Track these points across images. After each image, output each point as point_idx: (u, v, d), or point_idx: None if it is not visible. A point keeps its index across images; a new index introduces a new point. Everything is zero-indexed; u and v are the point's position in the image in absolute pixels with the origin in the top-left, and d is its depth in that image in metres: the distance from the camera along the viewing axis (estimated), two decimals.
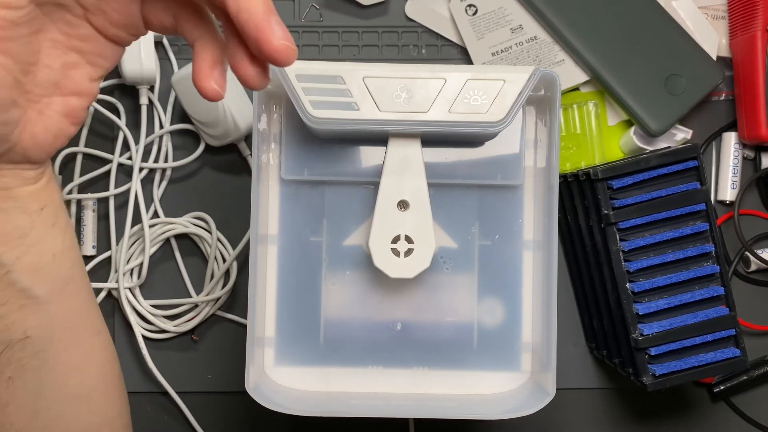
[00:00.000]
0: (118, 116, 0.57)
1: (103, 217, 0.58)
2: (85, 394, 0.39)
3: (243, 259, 0.57)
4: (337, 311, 0.45)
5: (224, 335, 0.58)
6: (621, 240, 0.49)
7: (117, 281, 0.56)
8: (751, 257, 0.58)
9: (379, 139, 0.43)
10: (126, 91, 0.58)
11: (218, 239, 0.57)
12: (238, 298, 0.58)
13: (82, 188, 0.57)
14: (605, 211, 0.49)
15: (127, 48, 0.34)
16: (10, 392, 0.36)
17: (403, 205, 0.43)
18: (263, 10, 0.29)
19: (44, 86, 0.32)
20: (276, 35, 0.29)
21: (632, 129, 0.57)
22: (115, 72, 0.57)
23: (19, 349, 0.35)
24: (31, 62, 0.31)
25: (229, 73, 0.56)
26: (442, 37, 0.59)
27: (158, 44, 0.57)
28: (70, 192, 0.57)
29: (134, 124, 0.58)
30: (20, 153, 0.32)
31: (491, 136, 0.44)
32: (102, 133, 0.58)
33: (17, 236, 0.34)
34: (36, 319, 0.35)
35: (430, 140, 0.44)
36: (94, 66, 0.33)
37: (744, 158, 0.59)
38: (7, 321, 0.34)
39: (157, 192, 0.58)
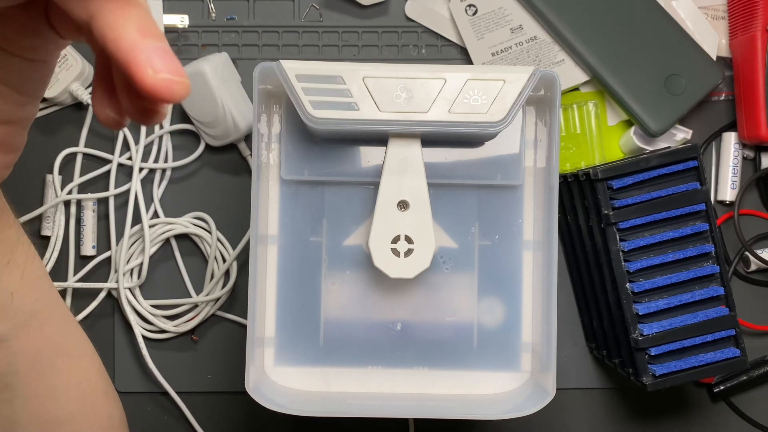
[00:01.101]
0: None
1: (103, 217, 0.58)
2: (67, 418, 0.38)
3: (243, 259, 0.57)
4: (337, 311, 0.45)
5: (224, 335, 0.58)
6: (621, 240, 0.49)
7: (117, 281, 0.56)
8: (751, 257, 0.57)
9: (379, 139, 0.43)
10: None
11: (218, 239, 0.57)
12: (238, 298, 0.58)
13: (82, 188, 0.57)
14: (605, 211, 0.49)
15: None
16: None
17: (403, 205, 0.43)
18: (133, 39, 0.22)
19: None
20: (151, 68, 0.22)
21: (632, 129, 0.57)
22: None
23: None
24: None
25: (228, 70, 0.56)
26: (442, 37, 0.59)
27: None
28: (70, 192, 0.57)
29: (134, 124, 0.58)
30: None
31: (491, 136, 0.44)
32: (102, 133, 0.58)
33: None
34: None
35: (430, 140, 0.44)
36: (19, 91, 0.28)
37: (744, 158, 0.59)
38: None
39: (157, 192, 0.58)
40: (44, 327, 0.36)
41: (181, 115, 0.58)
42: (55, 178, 0.57)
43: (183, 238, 0.58)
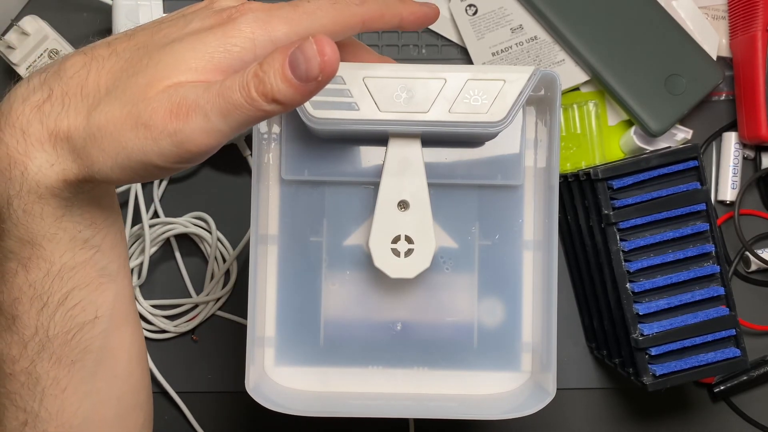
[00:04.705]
0: None
1: None
2: (129, 373, 0.39)
3: (243, 259, 0.57)
4: (337, 311, 0.45)
5: (224, 335, 0.58)
6: (621, 240, 0.49)
7: None
8: (751, 257, 0.57)
9: (379, 139, 0.43)
10: None
11: (218, 239, 0.57)
12: (238, 298, 0.58)
13: None
14: (605, 211, 0.49)
15: None
16: (71, 376, 0.36)
17: (403, 205, 0.43)
18: (416, 7, 0.37)
19: None
20: (427, 7, 0.38)
21: (632, 129, 0.57)
22: None
23: (88, 330, 0.35)
24: None
25: None
26: (442, 37, 0.59)
27: None
28: None
29: None
30: None
31: (491, 136, 0.44)
32: None
33: (104, 218, 0.35)
34: (105, 298, 0.36)
35: (430, 140, 0.44)
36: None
37: (744, 158, 0.59)
38: (85, 303, 0.35)
39: (157, 192, 0.58)
40: (129, 272, 0.39)
41: None
42: None
43: (183, 238, 0.58)
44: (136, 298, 0.57)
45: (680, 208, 0.49)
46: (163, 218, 0.58)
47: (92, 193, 0.34)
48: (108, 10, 0.56)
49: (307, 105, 0.40)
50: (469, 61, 0.58)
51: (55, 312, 0.34)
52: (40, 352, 0.35)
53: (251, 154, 0.57)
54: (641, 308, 0.49)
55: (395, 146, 0.43)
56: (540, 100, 0.45)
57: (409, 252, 0.43)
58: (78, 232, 0.34)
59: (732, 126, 0.59)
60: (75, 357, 0.35)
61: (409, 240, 0.43)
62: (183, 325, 0.57)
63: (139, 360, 0.40)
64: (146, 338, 0.57)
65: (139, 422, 0.41)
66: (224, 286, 0.57)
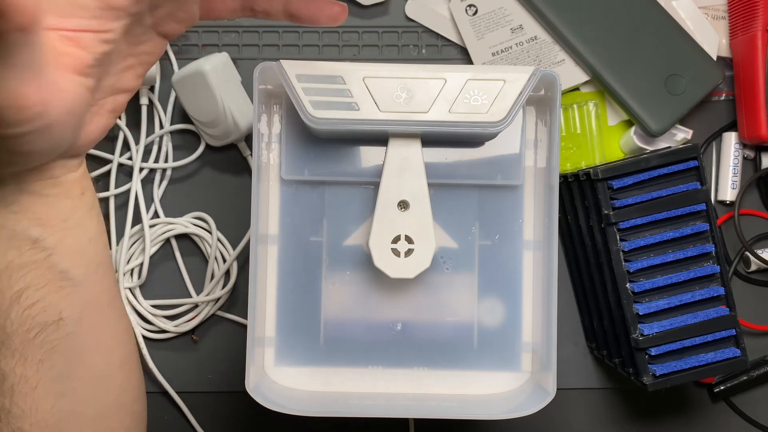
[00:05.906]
0: (118, 116, 0.57)
1: (103, 217, 0.58)
2: (109, 375, 0.39)
3: (243, 259, 0.57)
4: (337, 311, 0.45)
5: (224, 335, 0.58)
6: (621, 240, 0.49)
7: (117, 281, 0.56)
8: (751, 257, 0.57)
9: (379, 139, 0.43)
10: None
11: (218, 239, 0.57)
12: (238, 298, 0.58)
13: None
14: (605, 211, 0.49)
15: None
16: (40, 375, 0.36)
17: (403, 205, 0.43)
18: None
19: (104, 91, 0.34)
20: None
21: (632, 129, 0.57)
22: None
23: (52, 331, 0.35)
24: (103, 77, 0.33)
25: (229, 70, 0.56)
26: (442, 37, 0.59)
27: None
28: None
29: (134, 124, 0.58)
30: (74, 150, 0.34)
31: (491, 136, 0.44)
32: None
33: (60, 220, 0.35)
34: (70, 301, 0.36)
35: (430, 140, 0.44)
36: (144, 64, 0.35)
37: (744, 158, 0.59)
38: (44, 303, 0.35)
39: (158, 192, 0.58)
40: (105, 278, 0.38)
41: (181, 115, 0.58)
42: None
43: (183, 238, 0.58)
44: (135, 298, 0.57)
45: (680, 208, 0.49)
46: (163, 218, 0.58)
47: (23, 184, 0.33)
48: None
49: (308, 105, 0.40)
50: (469, 61, 0.58)
51: (9, 309, 0.34)
52: (0, 348, 0.35)
53: (251, 154, 0.57)
54: (641, 308, 0.49)
55: (395, 146, 0.43)
56: (540, 100, 0.45)
57: (409, 252, 0.43)
58: (19, 230, 0.34)
59: (732, 126, 0.59)
60: (42, 356, 0.35)
61: (409, 240, 0.43)
62: (183, 325, 0.57)
63: (123, 363, 0.40)
64: (146, 338, 0.57)
65: (125, 424, 0.40)
66: (224, 286, 0.57)
